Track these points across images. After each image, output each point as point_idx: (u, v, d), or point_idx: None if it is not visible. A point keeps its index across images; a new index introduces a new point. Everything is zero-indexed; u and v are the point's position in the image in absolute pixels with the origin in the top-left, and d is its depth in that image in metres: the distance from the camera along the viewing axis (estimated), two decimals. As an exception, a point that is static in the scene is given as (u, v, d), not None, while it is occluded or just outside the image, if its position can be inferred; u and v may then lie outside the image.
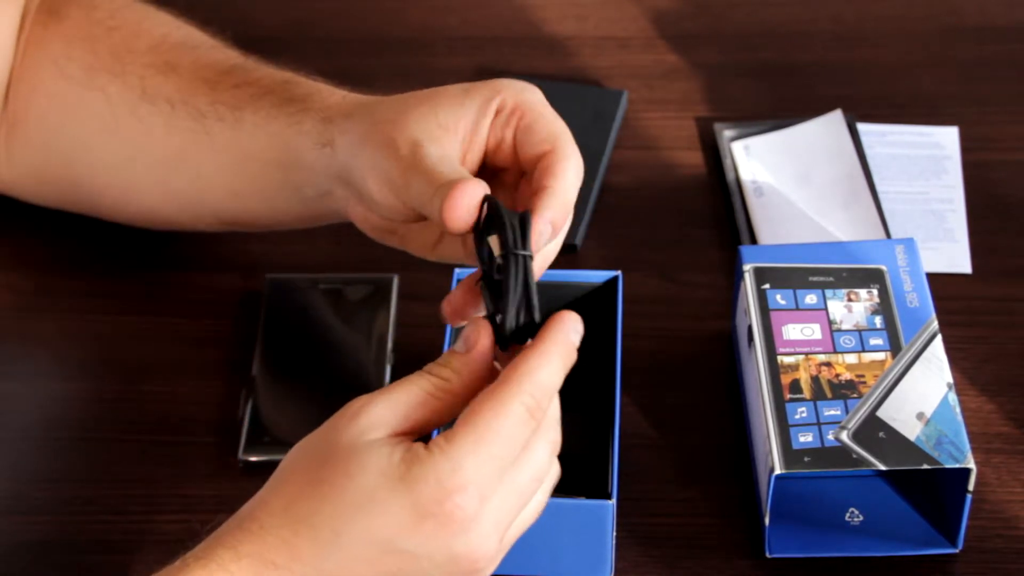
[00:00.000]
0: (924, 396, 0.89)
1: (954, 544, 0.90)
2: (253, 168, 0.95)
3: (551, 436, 0.78)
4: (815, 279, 0.96)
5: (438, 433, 0.78)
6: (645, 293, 1.05)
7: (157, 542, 0.93)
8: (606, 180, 1.12)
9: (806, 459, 0.87)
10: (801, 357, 0.92)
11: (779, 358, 0.92)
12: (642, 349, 1.01)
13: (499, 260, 0.79)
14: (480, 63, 1.21)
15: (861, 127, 1.14)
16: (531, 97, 0.87)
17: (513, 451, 0.75)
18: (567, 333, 0.78)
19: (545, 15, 1.25)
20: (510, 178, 0.88)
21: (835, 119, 1.14)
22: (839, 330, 0.93)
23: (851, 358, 0.92)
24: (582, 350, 0.98)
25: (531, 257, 0.79)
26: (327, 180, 0.92)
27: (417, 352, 1.00)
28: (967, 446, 0.87)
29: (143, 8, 1.03)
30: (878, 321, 0.93)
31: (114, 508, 0.95)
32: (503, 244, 0.78)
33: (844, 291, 0.95)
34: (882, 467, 0.86)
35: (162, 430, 0.99)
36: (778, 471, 0.87)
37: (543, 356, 0.76)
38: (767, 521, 0.89)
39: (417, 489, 0.73)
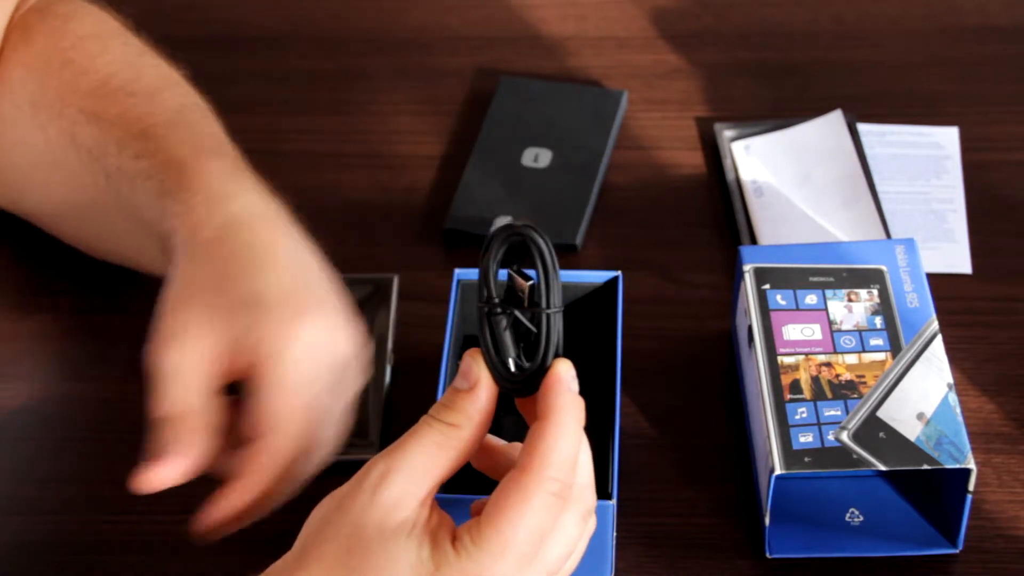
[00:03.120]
0: (924, 396, 0.89)
1: (954, 544, 0.90)
2: (151, 238, 0.94)
3: (581, 507, 0.77)
4: (815, 279, 0.96)
5: (461, 521, 0.77)
6: (645, 293, 1.05)
7: (157, 542, 0.93)
8: (606, 180, 1.12)
9: (806, 459, 0.87)
10: (801, 357, 0.92)
11: (779, 358, 0.92)
12: (642, 349, 1.01)
13: (527, 307, 0.76)
14: (480, 63, 1.22)
15: (861, 127, 1.14)
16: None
17: (542, 539, 0.75)
18: (569, 390, 0.77)
19: (545, 15, 1.25)
20: None
21: (835, 119, 1.14)
22: (839, 330, 0.93)
23: (851, 358, 0.92)
24: (583, 350, 0.98)
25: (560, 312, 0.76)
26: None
27: (417, 352, 1.00)
28: (967, 446, 0.87)
29: (110, 37, 1.00)
30: (878, 321, 0.93)
31: (114, 508, 0.95)
32: (538, 298, 0.75)
33: (844, 291, 0.95)
34: (882, 467, 0.86)
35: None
36: (778, 471, 0.87)
37: (558, 428, 0.75)
38: (767, 521, 0.89)
39: None
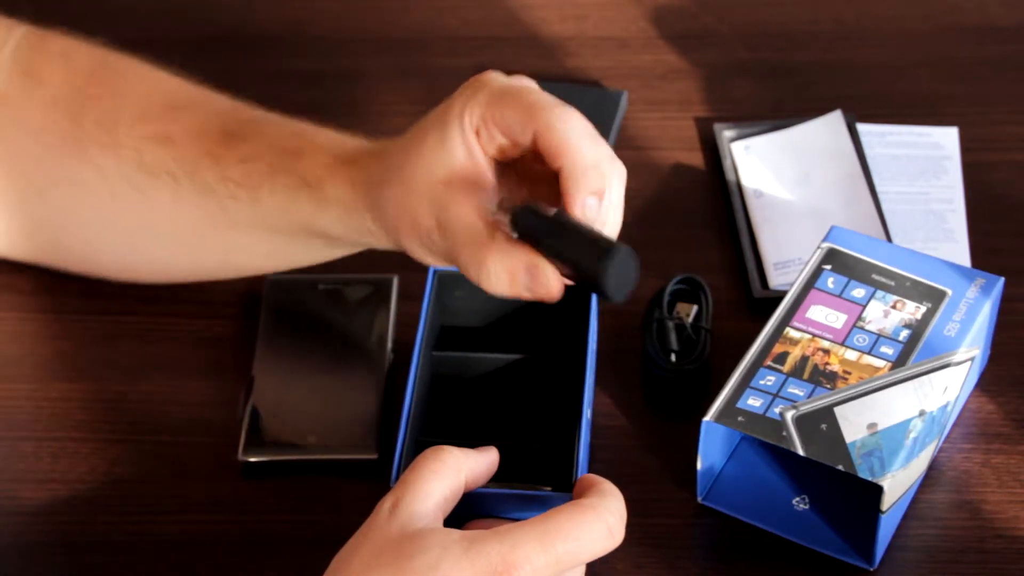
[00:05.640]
0: (888, 411, 0.89)
1: (869, 562, 0.89)
2: (281, 238, 0.95)
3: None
4: (877, 278, 0.95)
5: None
6: (645, 293, 1.05)
7: (157, 542, 0.93)
8: (606, 180, 1.12)
9: (740, 419, 0.88)
10: (808, 337, 0.92)
11: (787, 330, 0.92)
12: (641, 349, 1.01)
13: (689, 328, 1.00)
14: (480, 63, 1.21)
15: (861, 127, 1.14)
16: (489, 97, 0.84)
17: (579, 559, 0.77)
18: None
19: (545, 15, 1.25)
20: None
21: (835, 119, 1.14)
22: (861, 328, 0.93)
23: (851, 355, 0.92)
24: (560, 346, 0.97)
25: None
26: (367, 241, 0.93)
27: (417, 352, 1.00)
28: (894, 468, 0.86)
29: (121, 64, 1.00)
30: (903, 335, 0.92)
31: (114, 508, 0.95)
32: (702, 320, 1.00)
33: (893, 298, 0.94)
34: (801, 453, 0.86)
35: (162, 430, 0.99)
36: (706, 418, 0.88)
37: (618, 495, 0.80)
38: (699, 466, 0.90)
39: (480, 562, 0.74)
